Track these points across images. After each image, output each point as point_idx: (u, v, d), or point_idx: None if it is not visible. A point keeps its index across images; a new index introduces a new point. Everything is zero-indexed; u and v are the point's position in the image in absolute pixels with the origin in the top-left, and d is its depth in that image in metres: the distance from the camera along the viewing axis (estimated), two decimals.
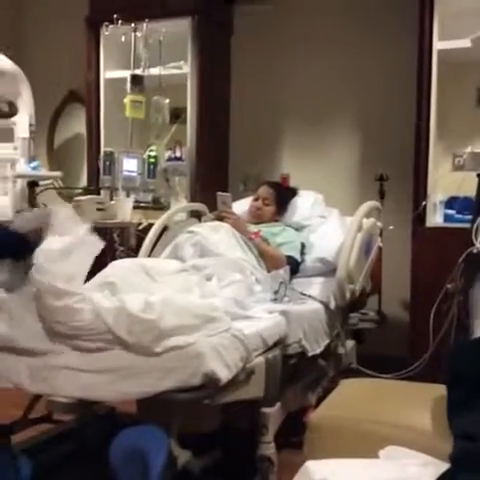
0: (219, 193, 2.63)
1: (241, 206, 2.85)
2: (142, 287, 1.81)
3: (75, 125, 4.05)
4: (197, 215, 3.03)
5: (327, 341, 2.23)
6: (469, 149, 2.82)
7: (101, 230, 3.25)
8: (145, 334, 1.46)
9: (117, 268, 1.96)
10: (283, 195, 2.81)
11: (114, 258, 2.93)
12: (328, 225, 2.74)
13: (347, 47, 3.49)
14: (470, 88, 3.10)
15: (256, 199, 2.78)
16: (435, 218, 2.91)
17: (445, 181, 2.94)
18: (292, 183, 3.33)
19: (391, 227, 2.99)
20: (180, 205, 3.25)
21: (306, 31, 3.56)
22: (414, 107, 2.87)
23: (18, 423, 1.91)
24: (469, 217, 2.22)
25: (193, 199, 3.34)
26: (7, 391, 1.54)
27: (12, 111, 3.60)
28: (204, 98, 3.41)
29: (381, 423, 1.29)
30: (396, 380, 2.33)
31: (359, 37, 3.46)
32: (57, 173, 3.31)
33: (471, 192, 2.24)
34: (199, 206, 3.03)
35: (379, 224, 2.59)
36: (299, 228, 2.77)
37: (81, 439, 2.04)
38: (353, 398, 1.42)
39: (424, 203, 2.83)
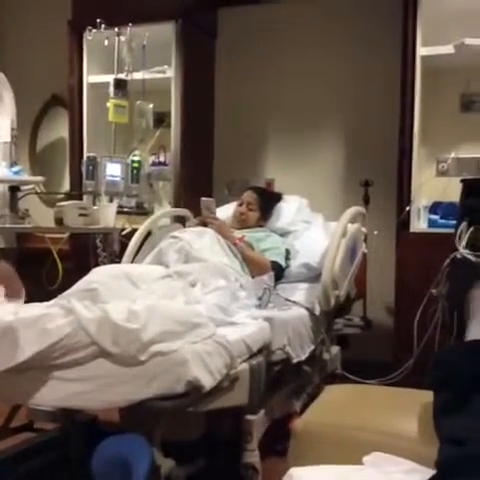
0: (203, 198, 2.61)
1: (225, 211, 2.83)
2: (125, 294, 1.79)
3: (58, 129, 4.01)
4: (181, 220, 3.01)
5: (312, 347, 2.22)
6: (453, 155, 2.84)
7: (84, 236, 3.25)
8: (130, 344, 1.43)
9: (100, 274, 1.93)
10: (267, 200, 2.81)
11: (97, 264, 2.91)
12: (313, 230, 2.74)
13: (331, 52, 3.51)
14: (453, 94, 3.13)
15: (240, 204, 2.77)
16: (419, 223, 2.93)
17: (429, 186, 2.95)
18: (277, 188, 3.33)
19: (376, 232, 3.00)
20: (164, 210, 3.23)
21: (290, 36, 3.57)
22: (398, 113, 2.89)
23: None
24: (453, 222, 2.22)
25: (177, 204, 3.32)
26: None
27: None
28: (188, 103, 3.40)
29: (366, 429, 1.28)
30: (381, 385, 2.33)
31: (343, 43, 3.48)
32: (39, 178, 3.28)
33: (455, 197, 2.25)
34: (183, 211, 3.01)
35: (364, 229, 2.60)
36: (284, 233, 2.77)
37: (63, 448, 2.01)
38: (338, 404, 1.41)
39: (408, 208, 2.84)
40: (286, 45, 3.58)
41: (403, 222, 2.85)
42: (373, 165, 3.32)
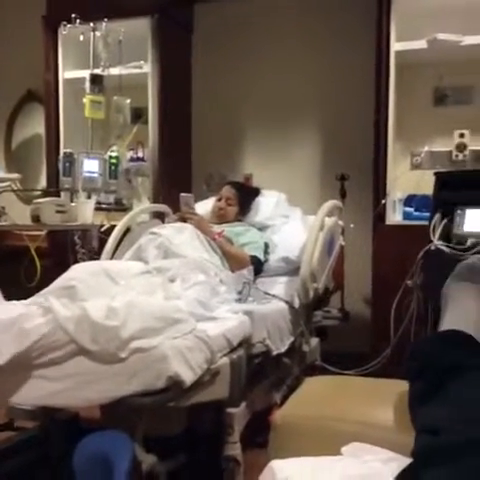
0: (182, 194, 2.62)
1: (204, 206, 2.84)
2: (104, 290, 1.78)
3: (33, 125, 3.97)
4: (160, 216, 3.01)
5: (291, 339, 2.25)
6: (426, 148, 2.88)
7: (62, 233, 3.22)
8: (110, 342, 1.44)
9: (78, 271, 1.92)
10: (246, 195, 2.82)
11: (76, 261, 2.89)
12: (291, 224, 2.77)
13: (308, 47, 3.53)
14: (427, 88, 3.17)
15: (219, 199, 2.78)
16: (394, 216, 2.97)
17: (404, 180, 3.00)
18: (255, 183, 3.35)
19: (352, 225, 3.04)
20: (143, 206, 3.22)
21: (267, 30, 3.58)
22: (373, 107, 2.92)
23: None
24: (427, 214, 2.27)
25: (156, 200, 3.31)
26: None
27: None
28: (165, 98, 3.39)
29: (344, 420, 1.30)
30: (359, 376, 2.37)
31: (319, 37, 3.50)
32: (15, 175, 3.25)
33: (429, 190, 2.29)
34: (162, 207, 3.01)
35: (341, 223, 2.63)
36: (262, 228, 2.79)
37: (44, 446, 2.00)
38: (316, 396, 1.43)
39: (384, 201, 2.88)
40: (262, 40, 3.59)
41: (379, 215, 2.89)
42: (349, 159, 3.36)
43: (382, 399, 1.42)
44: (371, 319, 2.92)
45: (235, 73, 3.65)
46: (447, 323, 1.25)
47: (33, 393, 1.45)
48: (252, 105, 3.65)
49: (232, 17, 3.63)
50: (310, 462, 0.98)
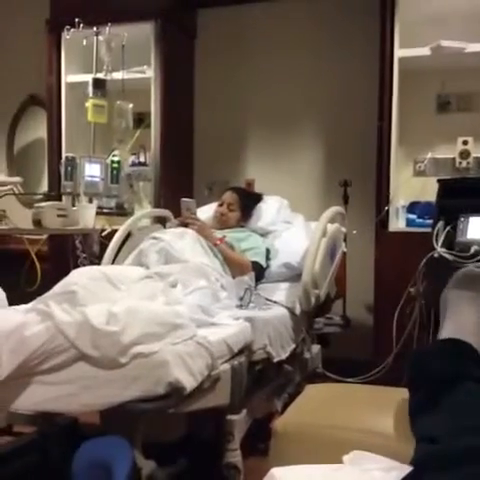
0: (183, 199, 2.61)
1: (206, 212, 2.84)
2: (105, 296, 1.77)
3: (36, 130, 3.97)
4: (161, 221, 3.00)
5: (293, 346, 2.23)
6: (429, 155, 2.88)
7: (63, 237, 3.21)
8: (110, 347, 1.43)
9: (79, 276, 1.91)
10: (248, 200, 2.82)
11: (76, 266, 2.88)
12: (293, 230, 2.76)
13: (311, 53, 3.53)
14: (430, 95, 3.17)
15: (221, 205, 2.78)
16: (397, 223, 2.96)
17: (407, 186, 2.99)
18: (257, 188, 3.34)
19: (355, 232, 3.03)
20: (144, 211, 3.22)
21: (270, 37, 3.59)
22: (376, 114, 2.92)
23: None
24: (430, 221, 2.26)
25: (157, 205, 3.31)
26: None
27: None
28: (168, 103, 3.39)
29: (345, 428, 1.29)
30: (361, 384, 2.35)
31: (322, 44, 3.50)
32: (17, 178, 3.23)
33: (432, 197, 2.29)
34: (163, 212, 3.00)
35: (343, 229, 2.62)
36: (264, 233, 2.78)
37: (43, 451, 1.99)
38: (318, 403, 1.42)
39: (387, 208, 2.87)
40: (265, 46, 3.60)
41: (382, 221, 2.88)
42: (352, 165, 3.35)
43: (384, 407, 1.41)
44: (373, 326, 2.90)
45: (238, 78, 3.65)
46: (446, 331, 1.25)
47: (33, 399, 1.44)
48: (255, 110, 3.65)
49: (235, 23, 3.64)
50: (311, 470, 0.97)
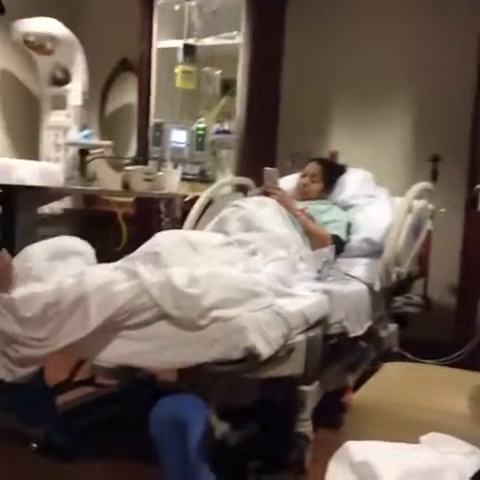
0: (266, 168, 2.60)
1: (288, 182, 2.81)
2: (186, 259, 1.81)
3: (126, 95, 4.07)
4: (243, 189, 3.01)
5: (369, 323, 2.19)
6: None
7: (148, 200, 3.31)
8: (191, 309, 1.47)
9: (162, 239, 1.97)
10: (331, 172, 2.76)
11: (160, 229, 2.96)
12: (376, 205, 2.68)
13: (405, 19, 3.36)
14: None
15: (304, 176, 2.74)
16: None
17: None
18: (341, 160, 3.27)
19: (442, 210, 2.90)
20: (226, 179, 3.24)
21: (363, 4, 3.44)
22: (472, 86, 2.75)
23: (62, 385, 1.98)
24: None
25: (239, 173, 3.32)
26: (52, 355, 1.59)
27: (66, 78, 3.65)
28: (255, 71, 3.36)
29: (422, 408, 1.27)
30: (439, 366, 2.29)
31: (419, 9, 3.32)
32: (108, 142, 3.34)
33: None
34: (245, 180, 3.01)
35: (430, 206, 2.52)
36: (346, 207, 2.72)
37: (122, 405, 2.09)
38: (396, 382, 1.40)
39: (478, 186, 2.72)
40: (359, 10, 3.44)
41: (472, 201, 2.74)
42: (443, 140, 3.19)
43: (463, 390, 1.37)
44: (456, 308, 2.80)
45: (328, 45, 3.54)
46: None
47: (117, 352, 1.51)
48: (343, 79, 3.54)
49: None
50: (387, 447, 0.96)
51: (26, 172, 3.05)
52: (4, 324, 1.61)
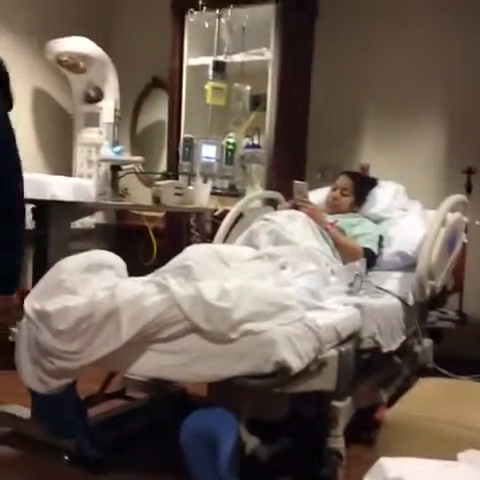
0: (296, 182, 2.60)
1: (318, 196, 2.80)
2: (217, 273, 1.82)
3: (157, 111, 4.13)
4: (273, 203, 3.01)
5: (403, 338, 2.15)
6: None
7: (178, 215, 3.34)
8: (222, 322, 1.47)
9: (193, 253, 1.98)
10: (362, 185, 2.74)
11: (189, 243, 2.98)
12: (409, 218, 2.64)
13: (438, 33, 3.33)
14: None
15: (334, 189, 2.72)
16: None
17: None
18: (372, 173, 3.24)
19: (477, 222, 2.85)
20: (256, 192, 3.24)
21: (395, 13, 3.43)
22: None
23: (94, 398, 1.99)
24: None
25: (269, 187, 3.32)
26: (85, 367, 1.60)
27: (98, 96, 3.73)
28: (285, 85, 3.37)
29: (459, 425, 1.23)
30: (474, 382, 2.22)
31: (451, 23, 3.29)
32: (139, 158, 3.40)
33: None
34: (275, 194, 3.00)
35: (465, 219, 2.47)
36: (378, 220, 2.69)
37: (152, 417, 2.10)
38: (431, 398, 1.36)
39: None
40: (390, 23, 3.43)
41: None
42: (477, 151, 3.14)
43: None
44: None
45: (358, 59, 3.53)
46: None
47: (147, 365, 1.51)
48: (373, 92, 3.53)
49: (357, 2, 3.52)
50: (423, 464, 0.94)
51: (59, 188, 3.12)
52: (39, 336, 1.63)
